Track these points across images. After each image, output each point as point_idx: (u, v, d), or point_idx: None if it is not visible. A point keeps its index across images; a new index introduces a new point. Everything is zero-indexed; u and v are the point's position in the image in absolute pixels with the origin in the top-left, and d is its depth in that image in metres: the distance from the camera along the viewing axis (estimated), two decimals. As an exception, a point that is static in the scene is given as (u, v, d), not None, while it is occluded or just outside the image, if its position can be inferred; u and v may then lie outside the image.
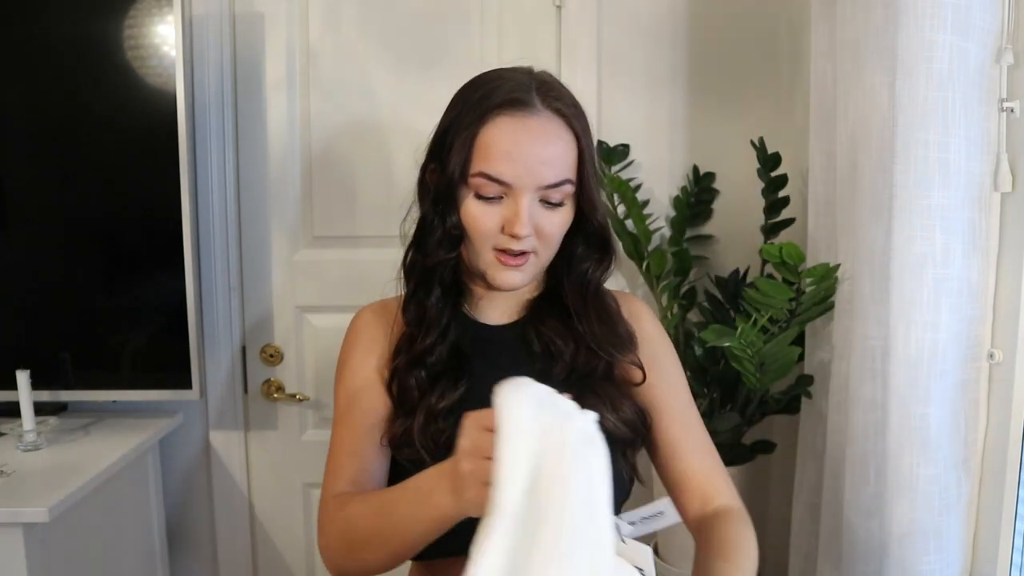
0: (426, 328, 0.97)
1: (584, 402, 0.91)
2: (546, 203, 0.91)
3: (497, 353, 0.99)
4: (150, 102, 1.54)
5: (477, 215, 0.90)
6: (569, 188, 0.91)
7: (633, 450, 0.97)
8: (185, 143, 1.53)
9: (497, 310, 1.02)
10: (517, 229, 0.88)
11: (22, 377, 1.45)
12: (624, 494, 0.97)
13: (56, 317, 1.60)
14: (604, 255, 0.99)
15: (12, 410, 1.48)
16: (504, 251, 0.91)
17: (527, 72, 0.94)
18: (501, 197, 0.90)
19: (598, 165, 0.95)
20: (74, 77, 1.54)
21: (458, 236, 0.93)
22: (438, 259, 0.95)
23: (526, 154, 0.88)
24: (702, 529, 0.94)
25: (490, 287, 0.96)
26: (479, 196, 0.90)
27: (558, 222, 0.92)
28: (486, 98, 0.90)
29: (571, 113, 0.91)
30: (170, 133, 1.52)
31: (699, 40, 1.68)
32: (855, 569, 1.23)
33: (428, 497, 0.76)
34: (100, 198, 1.58)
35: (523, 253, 0.92)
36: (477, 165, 0.89)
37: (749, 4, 1.66)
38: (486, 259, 0.93)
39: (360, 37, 1.70)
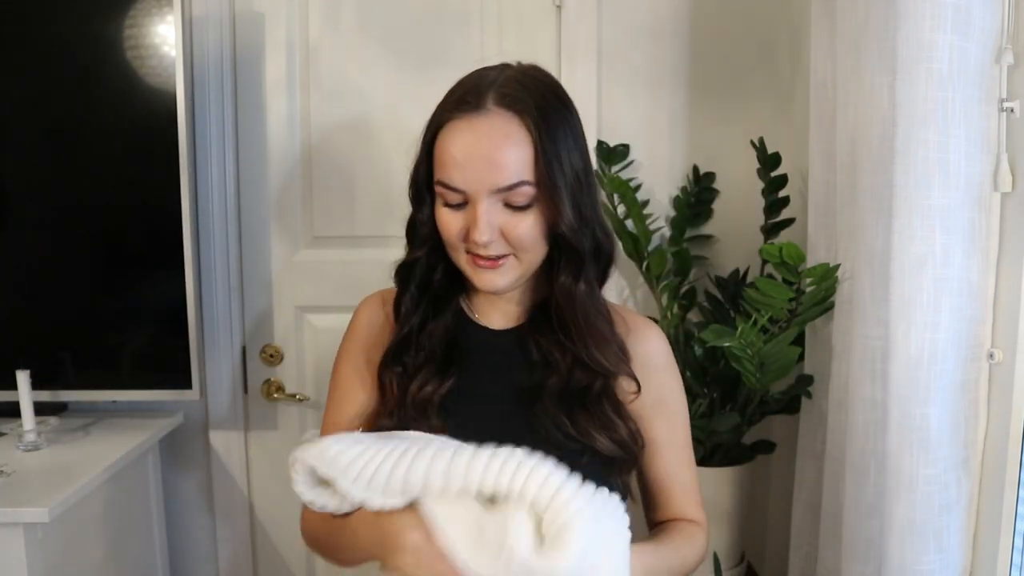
0: (400, 323, 0.98)
1: (576, 420, 0.92)
2: (510, 207, 0.87)
3: (494, 356, 0.98)
4: (150, 102, 1.54)
5: (444, 221, 0.90)
6: (527, 189, 0.86)
7: (627, 470, 0.97)
8: (185, 143, 1.53)
9: (498, 313, 1.00)
10: (475, 236, 0.86)
11: (22, 377, 1.45)
12: None
13: (56, 317, 1.60)
14: (577, 264, 0.93)
15: (12, 410, 1.48)
16: (476, 254, 0.90)
17: (501, 69, 0.91)
18: (465, 203, 0.88)
19: (568, 165, 0.88)
20: (74, 77, 1.54)
21: (427, 235, 0.94)
22: (414, 256, 0.96)
23: (474, 158, 0.85)
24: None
25: (477, 290, 0.96)
26: (445, 203, 0.89)
27: (525, 227, 0.88)
28: (443, 102, 0.91)
29: (527, 109, 0.86)
30: (170, 133, 1.52)
31: (699, 40, 1.68)
32: (855, 569, 1.23)
33: (358, 540, 0.82)
34: (100, 198, 1.58)
35: (499, 257, 0.89)
36: (437, 174, 0.89)
37: (749, 4, 1.66)
38: (462, 262, 0.92)
39: (360, 37, 1.70)
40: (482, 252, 0.88)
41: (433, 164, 0.90)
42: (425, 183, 0.92)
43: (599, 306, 0.97)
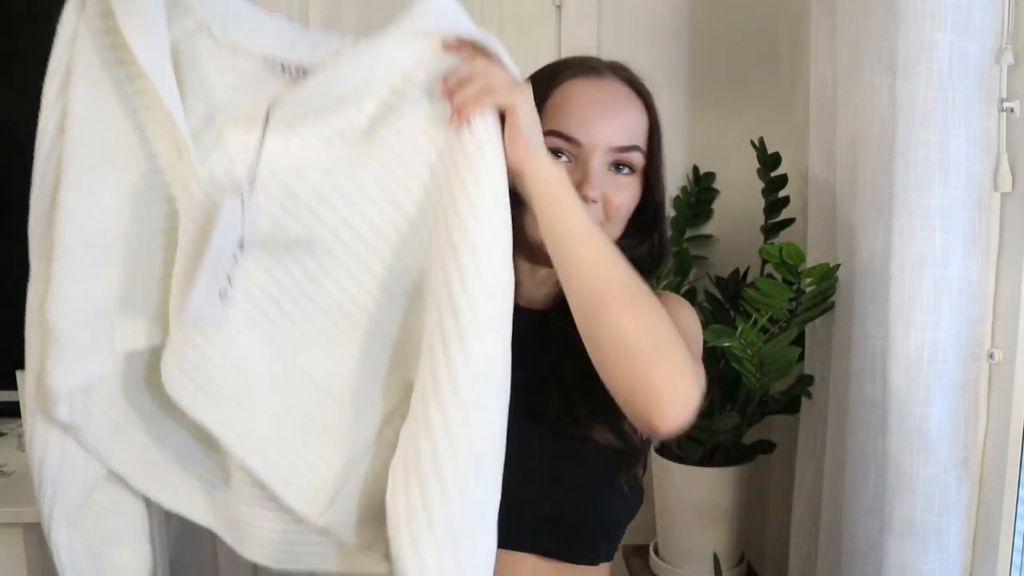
0: None
1: (577, 409, 0.88)
2: (615, 171, 0.87)
3: (517, 334, 0.91)
4: (150, 102, 1.54)
5: None
6: (638, 157, 0.88)
7: (632, 463, 0.92)
8: (185, 143, 1.53)
9: (542, 290, 0.94)
10: (586, 190, 0.84)
11: (22, 377, 1.44)
12: (628, 513, 0.93)
13: (56, 317, 1.60)
14: (648, 236, 0.94)
15: (12, 410, 1.48)
16: None
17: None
18: (570, 160, 0.87)
19: (663, 150, 0.92)
20: (74, 77, 1.54)
21: (513, 201, 0.86)
22: None
23: (598, 113, 0.87)
24: None
25: (542, 263, 0.89)
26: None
27: (626, 196, 0.88)
28: (557, 67, 0.91)
29: (642, 88, 0.92)
30: (170, 133, 1.52)
31: (699, 40, 1.68)
32: (855, 569, 1.23)
33: None
34: (100, 198, 1.58)
35: None
36: (547, 124, 0.86)
37: (749, 4, 1.67)
38: (531, 224, 0.86)
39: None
40: None
41: (540, 119, 0.86)
42: None
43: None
